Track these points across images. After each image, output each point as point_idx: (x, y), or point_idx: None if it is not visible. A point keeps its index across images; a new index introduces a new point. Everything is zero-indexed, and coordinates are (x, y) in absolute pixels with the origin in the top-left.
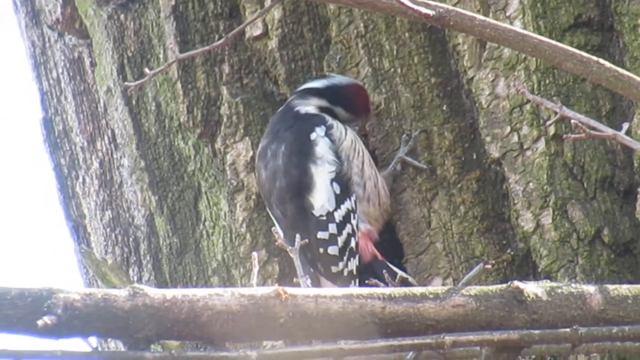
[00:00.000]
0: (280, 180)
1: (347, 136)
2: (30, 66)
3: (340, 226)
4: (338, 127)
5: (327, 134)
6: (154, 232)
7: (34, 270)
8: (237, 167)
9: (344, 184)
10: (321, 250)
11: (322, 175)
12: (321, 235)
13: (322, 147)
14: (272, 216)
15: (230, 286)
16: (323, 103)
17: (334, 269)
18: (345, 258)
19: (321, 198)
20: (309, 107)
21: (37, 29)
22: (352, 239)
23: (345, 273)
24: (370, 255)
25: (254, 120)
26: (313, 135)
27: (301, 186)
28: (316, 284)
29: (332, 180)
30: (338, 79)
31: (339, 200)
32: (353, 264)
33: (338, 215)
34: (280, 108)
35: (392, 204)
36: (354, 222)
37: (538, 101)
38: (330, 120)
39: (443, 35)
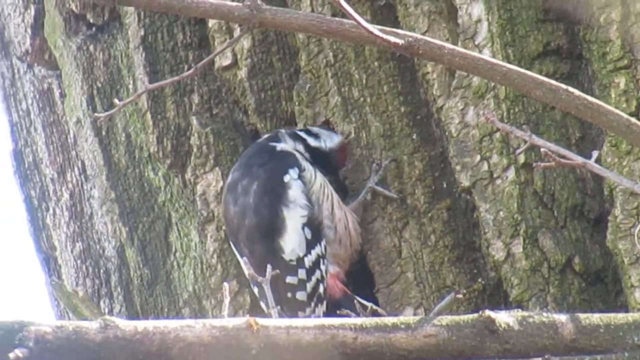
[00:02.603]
0: (250, 219)
1: (317, 179)
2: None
3: (310, 272)
4: (309, 169)
5: (300, 176)
6: (125, 263)
7: (5, 303)
8: (208, 197)
9: (315, 228)
10: (289, 294)
11: (294, 219)
12: (290, 280)
13: (294, 191)
14: (236, 254)
15: (201, 317)
16: (304, 155)
17: (300, 314)
18: (312, 304)
19: (292, 242)
20: (287, 146)
21: (7, 60)
22: (321, 284)
23: None
24: (339, 291)
25: (224, 150)
26: (287, 178)
27: (272, 228)
28: None
29: (303, 225)
30: (325, 139)
31: (310, 245)
32: (320, 310)
33: (308, 261)
34: (258, 140)
35: (363, 234)
36: (323, 267)
37: (507, 129)
38: (303, 162)
39: (412, 64)
